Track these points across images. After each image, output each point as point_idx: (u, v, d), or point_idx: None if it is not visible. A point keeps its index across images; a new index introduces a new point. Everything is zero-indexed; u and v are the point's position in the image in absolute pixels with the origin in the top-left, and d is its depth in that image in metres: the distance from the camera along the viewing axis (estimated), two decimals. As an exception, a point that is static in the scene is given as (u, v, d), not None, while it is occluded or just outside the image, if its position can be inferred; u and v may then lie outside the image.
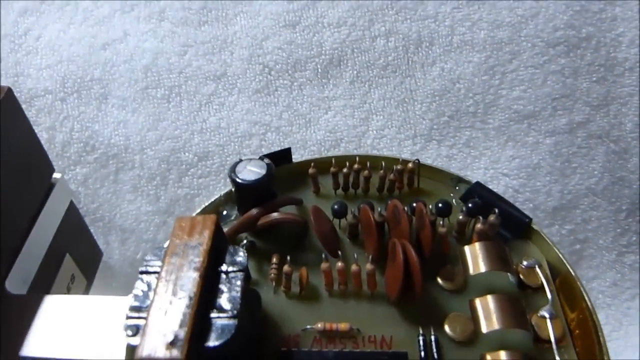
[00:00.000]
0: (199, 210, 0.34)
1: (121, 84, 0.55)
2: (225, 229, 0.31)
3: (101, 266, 0.56)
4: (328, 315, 0.30)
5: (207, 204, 0.34)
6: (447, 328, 0.29)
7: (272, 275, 0.31)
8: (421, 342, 0.28)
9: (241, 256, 0.27)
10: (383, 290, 0.30)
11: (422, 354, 0.28)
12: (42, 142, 0.55)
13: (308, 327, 0.29)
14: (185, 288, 0.24)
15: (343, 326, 0.29)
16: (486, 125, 0.55)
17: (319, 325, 0.29)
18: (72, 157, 0.54)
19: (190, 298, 0.24)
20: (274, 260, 0.31)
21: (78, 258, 0.41)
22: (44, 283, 0.37)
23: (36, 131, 0.55)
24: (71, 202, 0.41)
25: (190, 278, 0.25)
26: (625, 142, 0.55)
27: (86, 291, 0.43)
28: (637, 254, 0.57)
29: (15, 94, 0.55)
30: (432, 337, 0.28)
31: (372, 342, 0.29)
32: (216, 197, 0.34)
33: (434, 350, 0.28)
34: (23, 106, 0.55)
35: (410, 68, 0.55)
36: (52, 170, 0.40)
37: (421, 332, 0.29)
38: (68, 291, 0.40)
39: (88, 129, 0.54)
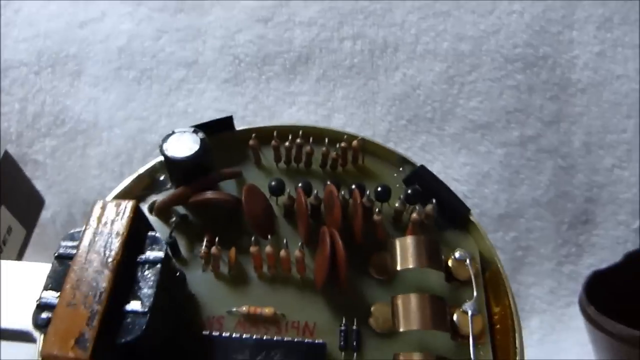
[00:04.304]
0: (134, 176, 0.30)
1: (95, 62, 0.51)
2: (159, 198, 0.28)
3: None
4: (255, 297, 0.27)
5: (142, 170, 0.30)
6: (370, 318, 0.26)
7: (202, 253, 0.27)
8: (342, 333, 0.25)
9: (159, 250, 0.23)
10: (312, 275, 0.27)
11: (342, 343, 0.25)
12: (14, 113, 0.52)
13: (233, 309, 0.26)
14: (96, 282, 0.21)
15: (268, 311, 0.26)
16: (442, 132, 0.52)
17: (244, 309, 0.26)
18: (42, 129, 0.51)
19: (101, 293, 0.20)
20: (206, 238, 0.28)
21: (15, 209, 0.37)
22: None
23: (8, 102, 0.52)
24: (5, 152, 0.36)
25: (102, 272, 0.21)
26: (572, 159, 0.53)
27: (25, 241, 0.39)
28: (575, 265, 0.54)
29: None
30: (354, 328, 0.25)
31: (295, 327, 0.26)
32: (152, 163, 0.30)
33: (354, 340, 0.25)
34: (-4, 76, 0.52)
35: (374, 71, 0.52)
36: None
37: (344, 321, 0.26)
38: (4, 244, 0.36)
39: (59, 103, 0.51)
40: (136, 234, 0.22)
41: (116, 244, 0.21)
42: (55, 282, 0.21)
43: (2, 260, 0.34)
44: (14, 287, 0.28)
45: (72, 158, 0.51)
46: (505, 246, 0.53)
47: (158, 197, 0.29)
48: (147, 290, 0.21)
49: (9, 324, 0.27)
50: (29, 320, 0.26)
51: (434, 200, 0.28)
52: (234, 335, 0.25)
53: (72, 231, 0.23)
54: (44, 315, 0.21)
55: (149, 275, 0.22)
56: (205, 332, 0.25)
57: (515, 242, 0.53)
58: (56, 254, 0.22)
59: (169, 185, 0.30)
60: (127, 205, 0.22)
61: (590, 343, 0.45)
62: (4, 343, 0.37)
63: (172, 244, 0.27)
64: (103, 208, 0.23)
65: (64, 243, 0.23)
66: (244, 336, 0.25)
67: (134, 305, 0.21)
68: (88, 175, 0.51)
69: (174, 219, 0.28)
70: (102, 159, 0.51)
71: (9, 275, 0.29)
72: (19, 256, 0.39)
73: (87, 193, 0.51)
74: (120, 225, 0.22)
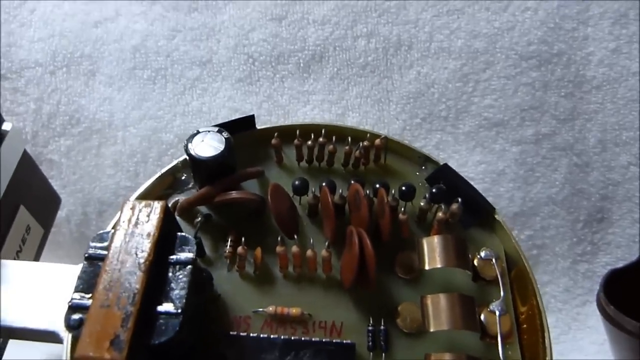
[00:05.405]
0: (156, 177, 0.30)
1: (110, 62, 0.51)
2: (181, 197, 0.28)
3: (77, 236, 0.52)
4: (281, 297, 0.27)
5: (164, 170, 0.30)
6: (398, 318, 0.26)
7: (227, 253, 0.27)
8: (370, 333, 0.25)
9: (189, 251, 0.23)
10: (338, 274, 0.27)
11: (370, 344, 0.25)
12: (29, 112, 0.52)
13: (260, 309, 0.26)
14: (129, 283, 0.21)
15: (295, 311, 0.26)
16: (456, 130, 0.52)
17: (271, 309, 0.26)
18: (57, 129, 0.51)
19: (134, 294, 0.20)
20: (230, 237, 0.28)
21: (33, 208, 0.37)
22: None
23: (24, 102, 0.51)
24: (24, 152, 0.36)
25: (135, 273, 0.21)
26: (587, 156, 0.53)
27: (43, 240, 0.39)
28: (591, 263, 0.54)
29: (6, 63, 0.52)
30: (382, 328, 0.25)
31: (323, 328, 0.26)
32: (174, 163, 0.30)
33: (382, 341, 0.25)
34: (13, 76, 0.52)
35: (388, 69, 0.52)
36: (1, 121, 0.34)
37: (371, 321, 0.25)
38: (23, 243, 0.36)
39: (74, 103, 0.51)
40: (166, 235, 0.22)
41: (147, 244, 0.21)
42: (86, 283, 0.21)
43: (23, 261, 0.34)
44: (38, 288, 0.28)
45: (87, 157, 0.51)
46: (520, 245, 0.53)
47: (180, 197, 0.29)
48: (179, 291, 0.21)
49: (36, 324, 0.27)
50: (56, 321, 0.26)
51: (459, 199, 0.28)
52: (262, 335, 0.25)
53: (101, 232, 0.23)
54: (76, 316, 0.21)
55: (180, 276, 0.22)
56: (233, 332, 0.25)
57: (530, 240, 0.53)
58: (86, 255, 0.22)
59: (191, 185, 0.30)
60: (157, 205, 0.22)
61: (609, 342, 0.45)
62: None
63: (198, 245, 0.27)
64: (133, 209, 0.22)
65: (93, 244, 0.22)
66: (272, 336, 0.25)
67: (167, 307, 0.21)
68: (103, 174, 0.51)
69: (199, 218, 0.28)
70: (117, 159, 0.51)
71: (33, 276, 0.29)
72: (37, 255, 0.40)
73: (101, 192, 0.51)
74: (151, 226, 0.22)
